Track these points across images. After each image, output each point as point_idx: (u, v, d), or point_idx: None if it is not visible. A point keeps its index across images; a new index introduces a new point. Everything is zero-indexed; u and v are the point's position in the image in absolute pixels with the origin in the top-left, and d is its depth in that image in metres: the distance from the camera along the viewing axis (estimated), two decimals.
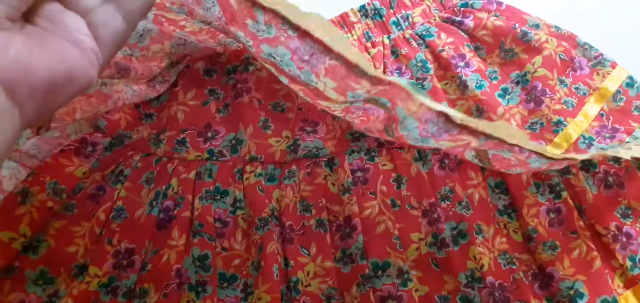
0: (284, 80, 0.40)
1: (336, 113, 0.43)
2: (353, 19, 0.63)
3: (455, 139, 0.35)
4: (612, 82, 0.57)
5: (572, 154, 0.40)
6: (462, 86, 0.57)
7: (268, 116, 0.56)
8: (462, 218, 0.53)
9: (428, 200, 0.53)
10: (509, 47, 0.59)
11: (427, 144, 0.38)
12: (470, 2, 0.62)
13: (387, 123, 0.40)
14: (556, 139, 0.55)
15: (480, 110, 0.56)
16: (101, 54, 0.31)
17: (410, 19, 0.62)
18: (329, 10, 0.64)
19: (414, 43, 0.60)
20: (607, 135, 0.55)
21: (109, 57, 0.32)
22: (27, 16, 0.29)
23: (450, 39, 0.60)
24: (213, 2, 0.42)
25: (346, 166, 0.54)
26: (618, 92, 0.57)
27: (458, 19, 0.61)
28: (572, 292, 0.50)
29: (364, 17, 0.63)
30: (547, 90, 0.57)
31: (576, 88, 0.58)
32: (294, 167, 0.55)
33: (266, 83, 0.57)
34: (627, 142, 0.54)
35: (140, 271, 0.51)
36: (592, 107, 0.57)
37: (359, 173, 0.54)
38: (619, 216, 0.53)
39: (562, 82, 0.58)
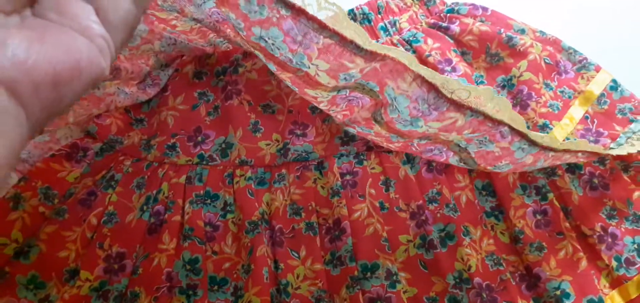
0: (273, 67, 0.41)
1: (322, 105, 0.44)
2: None
3: (444, 117, 0.36)
4: (596, 86, 0.58)
5: (557, 144, 0.40)
6: None
7: (258, 117, 0.57)
8: (449, 220, 0.53)
9: (416, 203, 0.54)
10: (494, 51, 0.60)
11: (415, 127, 0.38)
12: (456, 8, 0.63)
13: (374, 110, 0.40)
14: None
15: None
16: (113, 41, 0.29)
17: (397, 24, 0.63)
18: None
19: (401, 48, 0.61)
20: (591, 139, 0.56)
21: (121, 44, 0.30)
22: (33, 9, 0.27)
23: (436, 44, 0.61)
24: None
25: (335, 169, 0.55)
26: (602, 95, 0.58)
27: (444, 24, 0.62)
28: (558, 292, 0.50)
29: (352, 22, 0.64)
30: (533, 93, 0.58)
31: (561, 91, 0.59)
32: (283, 171, 0.56)
33: (256, 85, 0.58)
34: (611, 148, 0.55)
35: (131, 275, 0.51)
36: (577, 110, 0.58)
37: (348, 177, 0.55)
38: (605, 217, 0.54)
39: (547, 85, 0.58)
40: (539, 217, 0.54)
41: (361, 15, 0.64)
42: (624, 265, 0.52)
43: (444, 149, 0.48)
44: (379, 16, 0.64)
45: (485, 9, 0.63)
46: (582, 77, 0.59)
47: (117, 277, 0.51)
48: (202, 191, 0.54)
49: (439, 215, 0.54)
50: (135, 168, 0.55)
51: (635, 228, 0.53)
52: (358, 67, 0.35)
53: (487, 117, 0.37)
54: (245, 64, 0.58)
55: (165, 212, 0.53)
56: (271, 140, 0.57)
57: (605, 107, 0.58)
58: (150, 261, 0.51)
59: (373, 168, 0.56)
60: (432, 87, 0.35)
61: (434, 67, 0.59)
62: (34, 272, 0.50)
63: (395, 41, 0.62)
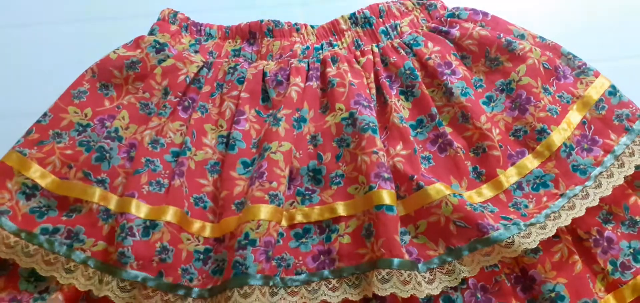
0: None
1: None
2: (343, 26, 0.65)
3: None
4: (595, 90, 0.59)
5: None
6: (448, 93, 0.59)
7: None
8: None
9: None
10: (494, 56, 0.61)
11: None
12: (456, 13, 0.64)
13: None
14: (538, 148, 0.56)
15: (465, 116, 0.58)
16: None
17: (398, 28, 0.64)
18: (320, 17, 0.66)
19: (402, 51, 0.62)
20: (586, 146, 0.56)
21: None
22: None
23: (436, 48, 0.61)
24: None
25: None
26: (600, 100, 0.58)
27: (445, 28, 0.63)
28: (553, 294, 0.50)
29: (354, 25, 0.65)
30: (532, 98, 0.58)
31: (560, 96, 0.59)
32: None
33: None
34: (604, 162, 0.55)
35: None
36: (575, 115, 0.58)
37: None
38: (601, 221, 0.54)
39: (546, 90, 0.59)
40: None
41: (363, 19, 0.65)
42: (620, 269, 0.52)
43: None
44: (381, 20, 0.64)
45: (485, 14, 0.64)
46: (581, 82, 0.60)
47: None
48: None
49: None
50: None
51: (631, 232, 0.53)
52: None
53: None
54: None
55: None
56: None
57: (603, 112, 0.58)
58: None
59: None
60: None
61: (434, 70, 0.60)
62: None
63: (395, 44, 0.63)
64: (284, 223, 0.53)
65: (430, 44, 0.61)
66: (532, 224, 0.51)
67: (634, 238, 0.53)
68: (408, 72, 0.60)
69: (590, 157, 0.56)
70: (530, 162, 0.56)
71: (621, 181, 0.53)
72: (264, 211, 0.51)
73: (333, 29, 0.65)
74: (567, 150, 0.56)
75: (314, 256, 0.52)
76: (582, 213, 0.52)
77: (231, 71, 0.62)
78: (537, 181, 0.55)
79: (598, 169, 0.55)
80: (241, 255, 0.49)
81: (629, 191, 0.55)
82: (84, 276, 0.50)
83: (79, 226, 0.52)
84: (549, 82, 0.60)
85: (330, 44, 0.65)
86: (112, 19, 0.72)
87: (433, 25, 0.64)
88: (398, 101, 0.60)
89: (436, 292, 0.49)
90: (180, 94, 0.59)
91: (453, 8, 0.65)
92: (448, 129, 0.58)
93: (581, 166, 0.55)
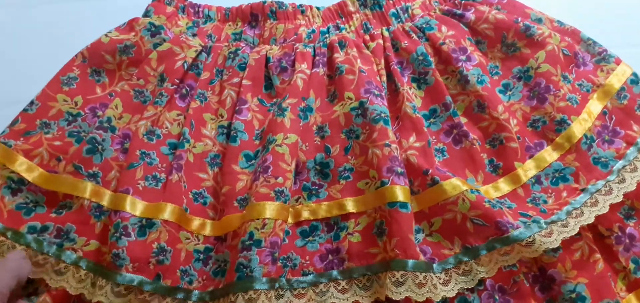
0: None
1: None
2: (351, 8, 0.61)
3: None
4: (616, 78, 0.56)
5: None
6: (463, 81, 0.56)
7: None
8: None
9: None
10: (511, 41, 0.57)
11: None
12: None
13: None
14: (558, 139, 0.54)
15: (481, 106, 0.55)
16: None
17: (409, 11, 0.61)
18: None
19: (414, 36, 0.59)
20: (607, 138, 0.54)
21: None
22: None
23: (450, 32, 0.58)
24: None
25: None
26: (622, 89, 0.56)
27: (459, 11, 0.60)
28: (573, 295, 0.48)
29: (362, 7, 0.61)
30: (551, 86, 0.55)
31: (580, 84, 0.56)
32: None
33: None
34: (627, 155, 0.52)
35: None
36: (595, 105, 0.55)
37: None
38: (622, 217, 0.51)
39: (565, 78, 0.56)
40: None
41: (372, 1, 0.61)
42: None
43: None
44: (391, 2, 0.61)
45: None
46: (601, 70, 0.57)
47: None
48: None
49: None
50: None
51: None
52: None
53: None
54: None
55: None
56: None
57: (625, 102, 0.55)
58: None
59: None
60: None
61: (448, 56, 0.57)
62: None
63: (407, 28, 0.59)
64: (289, 220, 0.50)
65: (443, 28, 0.58)
66: (553, 222, 0.48)
67: None
68: (421, 58, 0.57)
69: (612, 149, 0.53)
70: (549, 154, 0.54)
71: None
72: (270, 208, 0.48)
73: (340, 11, 0.61)
74: (588, 142, 0.53)
75: (322, 255, 0.49)
76: (606, 210, 0.50)
77: (232, 56, 0.58)
78: (557, 174, 0.53)
79: (620, 163, 0.52)
80: (245, 257, 0.46)
81: None
82: (75, 278, 0.47)
83: (69, 224, 0.49)
84: (568, 70, 0.57)
85: (337, 27, 0.61)
86: None
87: (446, 7, 0.60)
88: (410, 89, 0.56)
89: (452, 294, 0.47)
90: (178, 81, 0.56)
91: None
92: (463, 119, 0.55)
93: (602, 159, 0.52)
